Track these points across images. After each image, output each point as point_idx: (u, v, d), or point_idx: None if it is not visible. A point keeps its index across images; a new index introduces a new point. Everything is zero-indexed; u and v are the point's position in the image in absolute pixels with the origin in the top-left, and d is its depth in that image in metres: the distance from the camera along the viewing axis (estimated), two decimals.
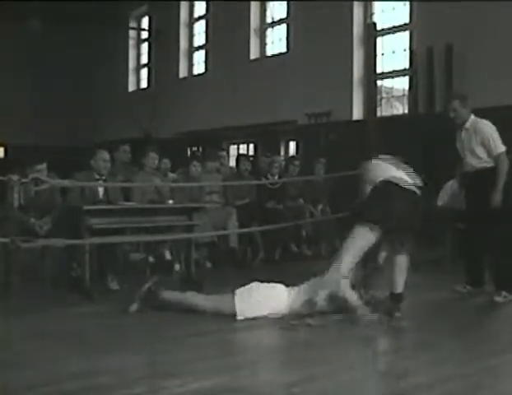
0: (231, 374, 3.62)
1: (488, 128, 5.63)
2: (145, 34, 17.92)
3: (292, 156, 10.32)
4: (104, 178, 6.42)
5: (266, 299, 4.84)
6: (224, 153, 9.17)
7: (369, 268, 7.23)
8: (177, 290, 5.21)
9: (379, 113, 11.47)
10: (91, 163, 6.38)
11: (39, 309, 5.11)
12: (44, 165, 6.06)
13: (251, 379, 3.58)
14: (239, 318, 4.79)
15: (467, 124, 5.72)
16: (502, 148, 5.57)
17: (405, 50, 11.03)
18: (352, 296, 4.78)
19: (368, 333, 4.54)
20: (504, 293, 5.53)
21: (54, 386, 3.33)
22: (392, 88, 11.88)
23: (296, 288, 4.97)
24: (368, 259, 7.29)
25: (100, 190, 6.44)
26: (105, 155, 6.43)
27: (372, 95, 8.15)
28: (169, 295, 5.05)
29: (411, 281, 6.44)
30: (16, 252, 5.40)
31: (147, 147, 7.57)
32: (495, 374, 3.76)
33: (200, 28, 15.95)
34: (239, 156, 9.19)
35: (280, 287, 4.97)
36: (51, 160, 6.22)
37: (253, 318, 4.78)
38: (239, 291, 4.91)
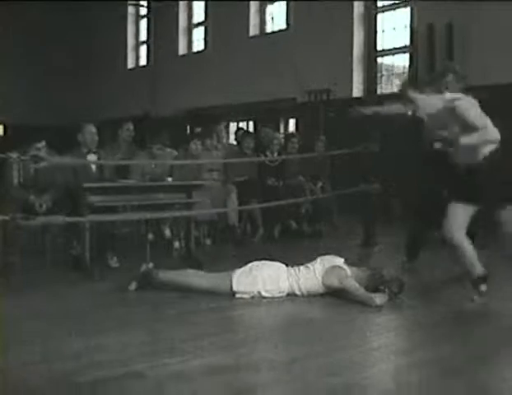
0: (232, 351, 3.64)
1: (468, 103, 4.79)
2: (144, 11, 17.78)
3: (291, 133, 10.28)
4: (94, 150, 6.40)
5: (265, 277, 4.86)
6: (221, 127, 9.07)
7: (371, 246, 7.29)
8: (175, 269, 5.21)
9: (378, 91, 11.44)
10: (78, 138, 6.38)
11: (39, 288, 5.13)
12: (43, 143, 6.04)
13: (251, 356, 3.60)
14: (235, 292, 4.81)
15: (440, 104, 4.86)
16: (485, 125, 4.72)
17: (406, 27, 10.96)
18: (357, 287, 4.76)
19: (369, 311, 4.56)
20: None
21: (55, 364, 3.35)
22: (392, 65, 11.82)
23: (297, 268, 4.98)
24: (369, 237, 7.35)
25: (93, 166, 6.43)
26: (91, 128, 6.44)
27: (372, 73, 8.07)
28: (167, 275, 5.03)
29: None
30: (15, 229, 5.40)
31: (154, 136, 7.56)
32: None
33: (199, 5, 15.83)
34: (238, 131, 9.12)
35: (280, 266, 4.99)
36: (51, 139, 6.21)
37: (251, 296, 4.80)
38: (238, 270, 4.93)
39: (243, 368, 3.35)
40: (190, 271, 5.14)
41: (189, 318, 4.36)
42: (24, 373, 3.21)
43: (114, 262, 6.09)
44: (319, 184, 8.67)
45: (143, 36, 18.03)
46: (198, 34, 15.95)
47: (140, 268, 5.07)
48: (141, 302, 4.78)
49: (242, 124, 14.52)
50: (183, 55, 16.12)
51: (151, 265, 5.13)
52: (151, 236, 7.03)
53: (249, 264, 4.97)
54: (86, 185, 5.77)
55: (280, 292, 4.86)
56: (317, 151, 8.63)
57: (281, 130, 13.28)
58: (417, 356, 3.58)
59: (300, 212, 8.27)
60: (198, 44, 15.89)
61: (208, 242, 7.56)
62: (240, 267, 4.97)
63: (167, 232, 7.23)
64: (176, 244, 7.06)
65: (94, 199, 5.72)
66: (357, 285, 4.76)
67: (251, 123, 14.40)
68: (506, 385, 3.17)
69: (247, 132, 9.81)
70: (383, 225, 7.90)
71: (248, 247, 7.36)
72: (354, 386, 3.12)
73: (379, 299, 4.64)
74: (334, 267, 4.87)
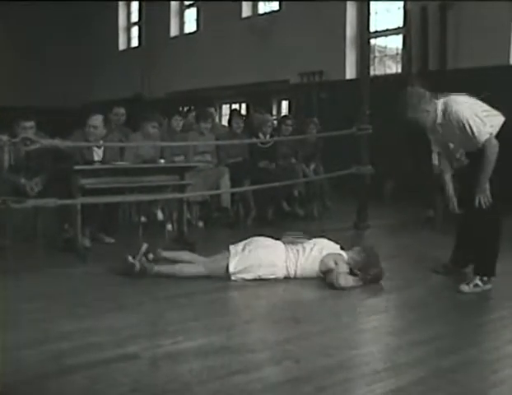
0: (225, 332, 3.65)
1: (459, 108, 4.45)
2: None
3: (285, 116, 10.23)
4: (101, 143, 6.32)
5: (262, 261, 4.82)
6: (212, 109, 9.11)
7: (360, 228, 7.30)
8: (171, 253, 5.16)
9: (372, 73, 11.39)
10: (85, 129, 6.26)
11: (33, 270, 5.11)
12: (32, 123, 5.96)
13: (244, 338, 3.61)
14: (231, 274, 4.79)
15: (438, 119, 4.56)
16: (487, 133, 4.41)
17: (399, 8, 10.91)
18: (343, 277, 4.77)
19: (360, 292, 4.58)
20: (476, 281, 4.60)
21: (48, 345, 3.36)
22: (385, 47, 11.77)
23: (295, 249, 4.96)
24: (359, 218, 7.36)
25: (96, 155, 6.34)
26: (94, 120, 6.24)
27: (365, 54, 8.03)
28: (161, 268, 4.93)
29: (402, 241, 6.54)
30: (6, 213, 5.36)
31: (147, 113, 7.48)
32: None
33: None
34: (231, 113, 9.11)
35: (277, 249, 4.95)
36: (41, 121, 6.14)
37: (248, 279, 4.80)
38: (234, 252, 4.90)
39: (236, 349, 3.36)
40: (185, 258, 5.08)
41: (182, 300, 4.36)
42: (18, 354, 3.21)
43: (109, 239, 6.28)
44: (312, 166, 8.66)
45: (135, 17, 17.89)
46: (190, 16, 15.85)
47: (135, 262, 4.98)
48: (134, 284, 4.77)
49: (234, 106, 14.48)
50: (175, 36, 16.02)
51: (144, 247, 5.05)
52: (143, 218, 7.03)
53: (247, 243, 4.93)
54: (78, 167, 5.74)
55: (275, 275, 4.84)
56: (309, 133, 8.59)
57: (274, 112, 13.24)
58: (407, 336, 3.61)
59: (293, 194, 8.26)
60: (190, 26, 15.79)
61: (201, 224, 7.56)
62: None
63: (159, 214, 7.21)
64: (169, 227, 7.06)
65: (85, 182, 5.69)
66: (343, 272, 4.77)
67: (243, 105, 14.35)
68: None
69: (236, 111, 9.76)
70: (375, 207, 7.91)
71: (240, 229, 7.36)
72: (346, 365, 3.14)
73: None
74: (331, 254, 4.87)
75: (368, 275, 4.73)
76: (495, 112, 4.56)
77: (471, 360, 3.28)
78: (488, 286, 4.60)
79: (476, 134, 4.37)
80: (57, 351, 3.27)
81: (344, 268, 4.77)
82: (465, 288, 4.57)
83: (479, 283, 4.58)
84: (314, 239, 5.05)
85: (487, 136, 4.37)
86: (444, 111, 4.48)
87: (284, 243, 5.04)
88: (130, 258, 4.92)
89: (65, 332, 3.59)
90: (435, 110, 4.53)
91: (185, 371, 3.05)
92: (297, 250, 4.94)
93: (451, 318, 4.10)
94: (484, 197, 4.42)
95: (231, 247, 4.94)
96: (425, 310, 4.23)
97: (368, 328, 3.89)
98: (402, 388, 2.88)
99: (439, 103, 4.53)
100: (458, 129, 4.44)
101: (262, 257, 4.85)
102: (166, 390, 2.84)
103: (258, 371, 3.06)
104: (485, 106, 4.54)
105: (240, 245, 4.96)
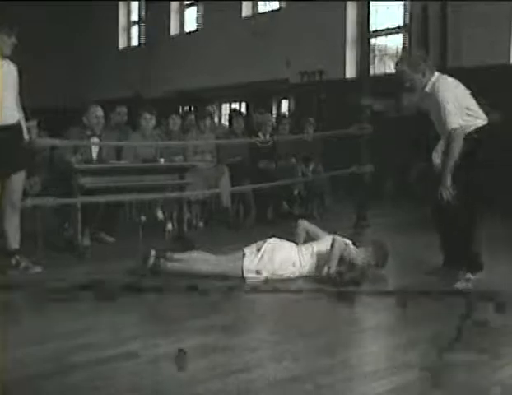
0: (224, 332, 3.65)
1: (446, 89, 4.58)
2: None
3: (282, 115, 10.26)
4: (98, 134, 6.30)
5: (276, 260, 4.83)
6: (209, 108, 9.14)
7: (359, 227, 7.29)
8: (181, 255, 5.12)
9: (371, 72, 11.39)
10: (84, 120, 6.27)
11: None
12: (35, 123, 5.97)
13: (243, 337, 3.61)
14: (247, 279, 4.79)
15: (428, 87, 4.68)
16: (457, 124, 4.49)
17: (399, 8, 10.92)
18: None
19: (360, 292, 4.58)
20: (468, 276, 4.68)
21: (48, 344, 3.36)
22: (385, 46, 11.77)
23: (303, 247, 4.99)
24: (359, 218, 7.35)
25: (94, 152, 6.35)
26: (97, 110, 6.28)
27: (365, 54, 8.03)
28: (174, 265, 4.93)
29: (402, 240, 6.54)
30: None
31: (141, 108, 7.48)
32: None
33: None
34: (231, 112, 9.12)
35: (291, 247, 4.97)
36: (41, 121, 6.14)
37: (261, 280, 4.80)
38: (248, 252, 4.88)
39: (234, 348, 3.36)
40: (198, 257, 5.05)
41: (184, 298, 4.36)
42: (18, 353, 3.21)
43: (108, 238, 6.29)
44: (311, 166, 8.66)
45: (135, 16, 17.89)
46: (190, 15, 15.85)
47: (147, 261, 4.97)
48: (134, 283, 4.76)
49: (234, 105, 14.49)
50: (175, 35, 16.01)
51: (153, 254, 4.99)
52: (143, 218, 7.03)
53: (262, 247, 4.92)
54: (78, 167, 5.74)
55: (290, 275, 4.87)
56: (306, 133, 8.59)
57: (274, 111, 13.25)
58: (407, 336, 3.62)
59: (293, 194, 8.27)
60: (190, 25, 15.79)
61: (201, 224, 7.56)
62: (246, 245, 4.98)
63: (159, 214, 7.22)
64: (169, 226, 7.05)
65: (86, 181, 5.69)
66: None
67: (243, 104, 14.36)
68: None
69: (237, 112, 9.77)
70: (375, 206, 7.91)
71: (240, 229, 7.36)
72: (346, 364, 3.15)
73: None
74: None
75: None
76: (479, 114, 4.63)
77: (470, 360, 3.27)
78: (478, 276, 4.67)
79: (447, 119, 4.47)
80: (57, 350, 3.27)
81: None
82: (459, 285, 4.63)
83: (469, 276, 4.67)
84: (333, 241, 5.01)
85: (456, 125, 4.46)
86: (434, 85, 4.62)
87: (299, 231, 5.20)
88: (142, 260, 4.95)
89: (65, 331, 3.59)
90: (430, 78, 4.65)
91: (186, 370, 3.05)
92: (310, 250, 4.94)
93: (450, 317, 4.09)
94: (445, 192, 4.48)
95: (246, 249, 4.91)
96: (424, 309, 4.23)
97: (368, 328, 3.90)
98: (401, 388, 2.88)
99: (435, 75, 4.68)
100: (437, 107, 4.54)
101: (277, 256, 4.85)
102: (167, 389, 2.84)
103: (259, 370, 3.06)
104: (473, 105, 4.63)
105: (255, 247, 4.93)
